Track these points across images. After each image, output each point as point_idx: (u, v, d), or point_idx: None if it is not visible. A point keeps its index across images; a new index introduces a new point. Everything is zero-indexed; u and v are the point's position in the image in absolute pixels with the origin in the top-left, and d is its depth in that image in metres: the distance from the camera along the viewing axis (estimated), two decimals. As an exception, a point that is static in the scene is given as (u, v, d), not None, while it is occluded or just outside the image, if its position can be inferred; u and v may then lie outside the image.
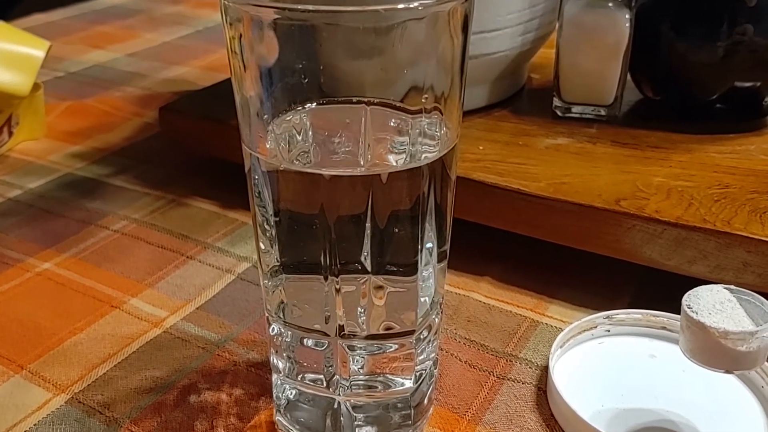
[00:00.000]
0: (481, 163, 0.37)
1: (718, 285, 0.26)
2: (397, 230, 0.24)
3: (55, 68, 0.63)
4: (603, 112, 0.42)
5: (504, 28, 0.40)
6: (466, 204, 0.34)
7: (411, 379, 0.26)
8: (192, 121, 0.45)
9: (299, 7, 0.20)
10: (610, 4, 0.39)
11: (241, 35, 0.22)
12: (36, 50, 0.47)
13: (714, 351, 0.24)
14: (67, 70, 0.64)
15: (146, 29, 0.75)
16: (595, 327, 0.31)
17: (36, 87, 0.49)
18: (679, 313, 0.31)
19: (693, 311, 0.25)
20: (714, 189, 0.34)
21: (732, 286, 0.25)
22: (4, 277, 0.36)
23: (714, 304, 0.25)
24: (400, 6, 0.20)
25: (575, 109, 0.42)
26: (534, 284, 0.35)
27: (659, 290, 0.34)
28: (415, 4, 0.20)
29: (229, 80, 0.54)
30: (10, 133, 0.49)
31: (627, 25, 0.39)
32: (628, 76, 0.42)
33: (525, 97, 0.46)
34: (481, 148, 0.38)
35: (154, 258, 0.38)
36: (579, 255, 0.35)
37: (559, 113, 0.42)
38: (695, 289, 0.26)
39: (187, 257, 0.38)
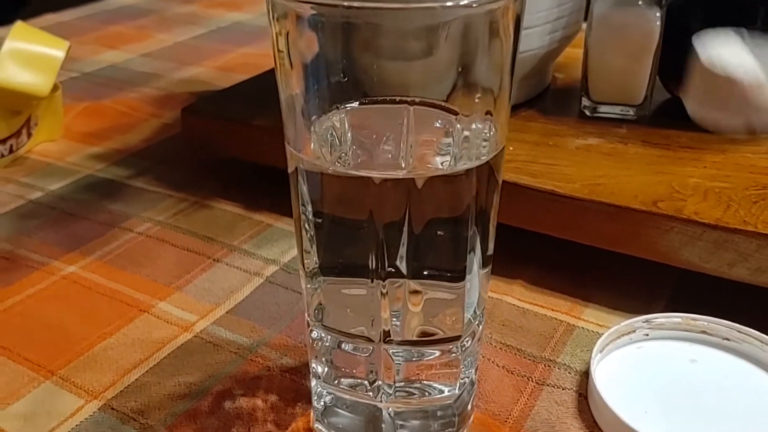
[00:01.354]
0: (513, 164, 0.36)
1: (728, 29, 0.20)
2: (442, 234, 0.24)
3: (69, 68, 0.63)
4: (632, 112, 0.41)
5: (532, 27, 0.40)
6: (501, 205, 0.33)
7: (455, 386, 0.25)
8: (214, 123, 0.44)
9: (349, 4, 0.20)
10: (640, 3, 0.39)
11: (288, 33, 0.21)
12: (56, 50, 0.46)
13: (738, 104, 0.19)
14: (82, 71, 0.64)
15: (159, 29, 0.75)
16: (634, 331, 0.31)
17: (54, 87, 0.49)
18: (718, 317, 0.31)
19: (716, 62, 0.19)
20: (752, 190, 0.33)
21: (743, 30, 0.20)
22: (30, 281, 0.36)
23: (735, 52, 0.19)
24: (454, 3, 0.19)
25: (603, 108, 0.41)
26: (567, 287, 0.35)
27: (697, 292, 0.34)
28: (468, 1, 0.20)
29: (247, 82, 0.54)
30: (29, 135, 0.48)
31: (657, 23, 0.39)
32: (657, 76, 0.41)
33: (550, 96, 0.45)
34: (511, 148, 0.38)
35: (180, 261, 0.37)
36: (612, 256, 0.34)
37: (587, 113, 0.42)
38: (702, 33, 0.20)
39: (214, 260, 0.37)
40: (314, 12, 0.20)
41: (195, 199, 0.43)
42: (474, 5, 0.19)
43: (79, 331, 0.32)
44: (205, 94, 0.57)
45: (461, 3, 0.19)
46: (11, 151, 0.47)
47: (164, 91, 0.59)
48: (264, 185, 0.43)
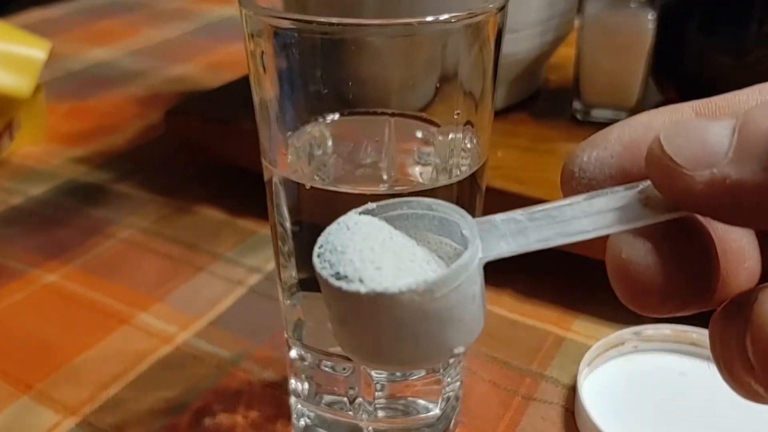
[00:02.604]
0: (501, 171, 0.35)
1: (351, 214, 0.15)
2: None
3: (54, 67, 0.62)
4: (624, 116, 0.40)
5: (523, 29, 0.39)
6: (486, 213, 0.32)
7: (438, 404, 0.25)
8: (198, 125, 0.43)
9: (327, 20, 0.19)
10: (633, 5, 0.38)
11: (263, 52, 0.21)
12: (37, 51, 0.45)
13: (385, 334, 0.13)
14: (68, 69, 0.63)
15: (148, 25, 0.74)
16: (623, 343, 0.30)
17: (37, 89, 0.48)
18: (708, 328, 0.30)
19: (337, 276, 0.13)
20: (744, 198, 0.33)
21: (379, 204, 0.14)
22: (9, 290, 0.35)
23: (362, 250, 0.14)
24: (432, 19, 0.19)
25: (595, 112, 0.41)
26: (557, 297, 0.34)
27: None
28: (447, 16, 0.19)
29: (236, 82, 0.53)
30: (11, 137, 0.48)
31: (650, 25, 0.38)
32: (650, 78, 0.40)
33: (542, 98, 0.45)
34: (499, 154, 0.37)
35: (162, 269, 0.37)
36: (602, 266, 0.33)
37: (579, 117, 0.41)
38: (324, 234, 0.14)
39: (197, 268, 0.37)
40: (292, 27, 0.20)
41: (179, 203, 0.42)
42: (452, 20, 0.19)
43: (58, 342, 0.32)
44: (190, 95, 0.56)
45: (439, 19, 0.18)
46: (-7, 153, 0.46)
47: (150, 91, 0.58)
48: (249, 190, 0.42)
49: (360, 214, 0.15)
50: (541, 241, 0.14)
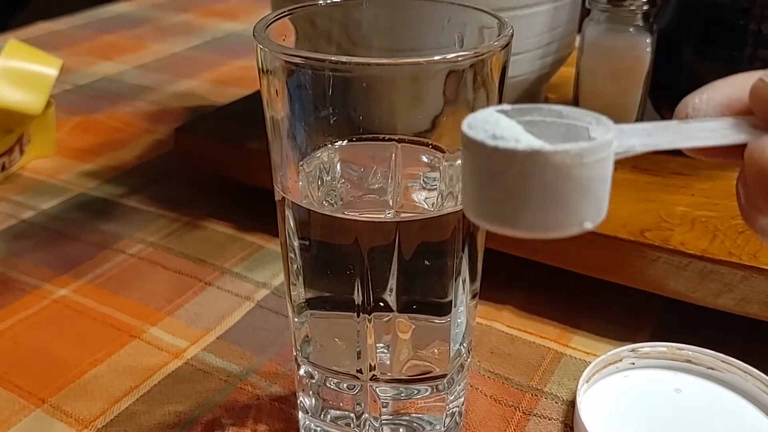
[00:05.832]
0: (502, 190, 0.36)
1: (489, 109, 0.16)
2: (429, 264, 0.24)
3: (63, 80, 0.63)
4: (622, 136, 0.41)
5: (524, 52, 0.40)
6: (487, 232, 0.33)
7: (441, 420, 0.26)
8: (208, 143, 0.44)
9: (337, 59, 0.20)
10: (631, 29, 0.39)
11: (277, 90, 0.22)
12: (49, 69, 0.46)
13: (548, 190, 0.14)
14: (76, 83, 0.64)
15: (154, 39, 0.75)
16: (620, 360, 0.31)
17: (47, 104, 0.49)
18: (704, 344, 0.31)
19: (493, 136, 0.14)
20: (738, 219, 0.34)
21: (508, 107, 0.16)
22: (22, 305, 0.36)
23: (512, 126, 0.15)
24: (439, 58, 0.20)
25: (594, 132, 0.42)
26: (556, 313, 0.35)
27: (683, 319, 0.34)
28: (453, 56, 0.20)
29: (242, 100, 0.54)
30: (22, 152, 0.49)
31: (648, 49, 0.39)
32: (647, 100, 0.41)
33: (542, 118, 0.46)
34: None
35: (171, 284, 0.38)
36: (600, 283, 0.34)
37: (577, 137, 0.42)
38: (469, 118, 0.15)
39: (205, 283, 0.38)
40: (303, 64, 0.21)
41: (188, 219, 0.43)
42: (459, 59, 0.20)
43: (70, 357, 0.33)
44: (199, 111, 0.57)
45: (447, 58, 0.19)
46: (4, 168, 0.47)
47: (158, 106, 0.59)
48: (256, 206, 0.43)
49: (497, 111, 0.16)
50: (665, 143, 0.15)
